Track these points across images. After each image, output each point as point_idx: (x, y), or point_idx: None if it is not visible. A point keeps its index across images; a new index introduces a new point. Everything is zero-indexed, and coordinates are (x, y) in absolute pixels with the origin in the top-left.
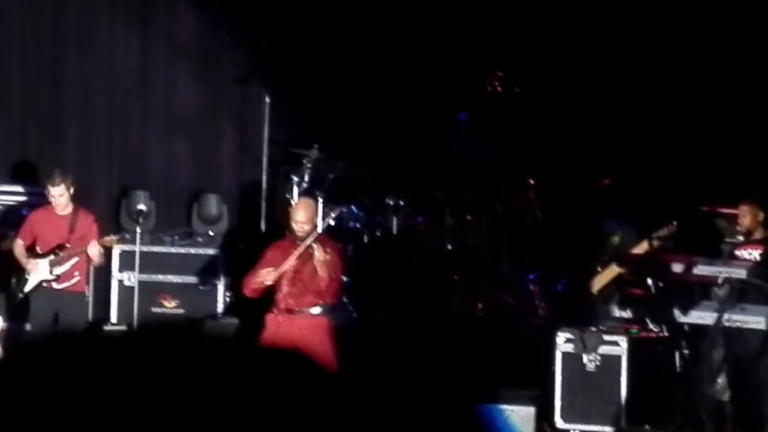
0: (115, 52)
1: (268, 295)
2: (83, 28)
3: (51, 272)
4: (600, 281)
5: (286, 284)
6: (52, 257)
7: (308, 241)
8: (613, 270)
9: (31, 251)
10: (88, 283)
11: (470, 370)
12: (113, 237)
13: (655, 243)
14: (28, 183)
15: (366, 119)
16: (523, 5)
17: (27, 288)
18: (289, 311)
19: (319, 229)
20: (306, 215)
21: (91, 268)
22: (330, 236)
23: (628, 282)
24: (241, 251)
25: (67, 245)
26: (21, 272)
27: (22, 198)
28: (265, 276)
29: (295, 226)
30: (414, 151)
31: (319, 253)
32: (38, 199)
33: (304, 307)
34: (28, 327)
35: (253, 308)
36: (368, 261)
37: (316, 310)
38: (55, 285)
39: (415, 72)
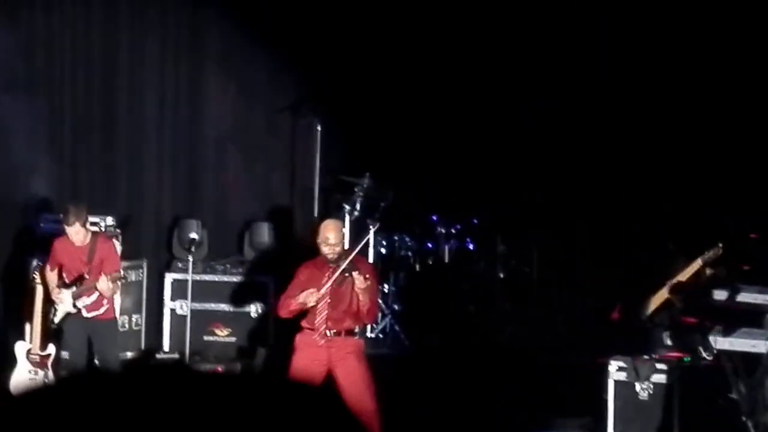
0: (166, 80)
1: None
2: (134, 57)
3: (74, 305)
4: (650, 306)
5: (325, 307)
6: (74, 289)
7: (344, 265)
8: (663, 295)
9: (60, 279)
10: (140, 312)
11: (522, 399)
12: (119, 273)
13: (702, 266)
14: None
15: (417, 147)
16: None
17: (57, 319)
18: (328, 336)
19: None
20: (337, 236)
21: (143, 296)
22: (362, 258)
23: (678, 309)
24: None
25: (86, 276)
26: (50, 302)
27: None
28: (308, 297)
29: (326, 248)
30: (466, 179)
31: (359, 282)
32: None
33: (341, 331)
34: (65, 355)
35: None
36: (420, 289)
37: (353, 333)
38: (85, 313)
39: (465, 100)
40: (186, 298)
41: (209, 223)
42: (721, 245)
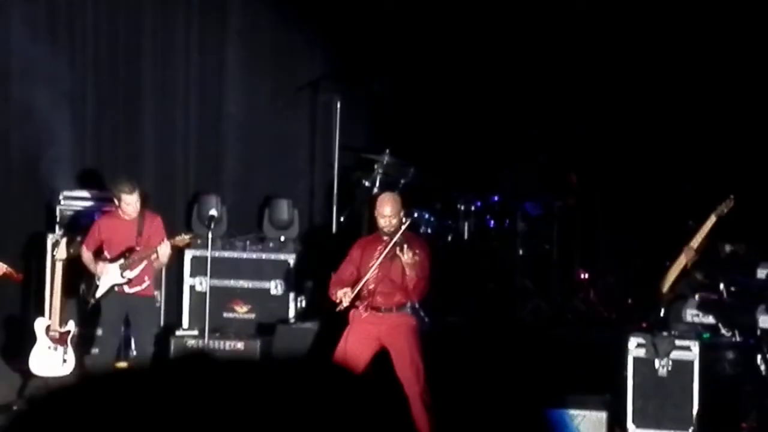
0: (190, 57)
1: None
2: (158, 34)
3: (122, 275)
4: (668, 278)
5: (374, 281)
6: (122, 261)
7: (395, 239)
8: (680, 262)
9: (97, 257)
10: (159, 288)
11: (542, 376)
12: (185, 236)
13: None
14: (99, 188)
15: (438, 124)
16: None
17: (99, 293)
18: (377, 309)
19: (403, 227)
20: (393, 209)
21: (163, 273)
22: (416, 234)
23: (697, 280)
24: (312, 256)
25: (137, 248)
26: (90, 278)
27: (93, 203)
28: (342, 297)
29: (382, 221)
30: (487, 155)
31: (407, 256)
32: (108, 204)
33: (392, 306)
34: (99, 332)
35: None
36: (439, 267)
37: (404, 309)
38: (126, 289)
39: (486, 76)
40: (205, 275)
41: (229, 200)
42: (732, 197)
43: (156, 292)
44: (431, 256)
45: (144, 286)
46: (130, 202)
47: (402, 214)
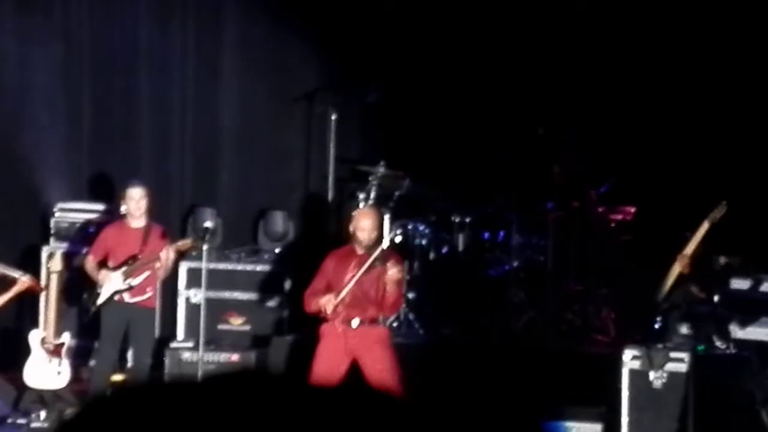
0: (186, 69)
1: None
2: (154, 45)
3: (124, 282)
4: (664, 287)
5: (349, 295)
6: (125, 268)
7: (376, 254)
8: (675, 270)
9: (102, 267)
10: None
11: (536, 388)
12: (187, 241)
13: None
14: (99, 200)
15: (433, 136)
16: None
17: (100, 301)
18: (349, 323)
19: (385, 244)
20: (372, 223)
21: (157, 285)
22: (394, 250)
23: (692, 289)
24: (307, 268)
25: (140, 256)
26: (92, 286)
27: (93, 215)
28: (327, 303)
29: (361, 234)
30: (480, 168)
31: (392, 272)
32: (108, 217)
33: (365, 320)
34: (96, 344)
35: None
36: (434, 278)
37: (376, 323)
38: (127, 298)
39: (481, 89)
40: (200, 287)
41: (224, 212)
42: (725, 203)
43: (156, 306)
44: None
45: (146, 296)
46: (135, 197)
47: (380, 228)
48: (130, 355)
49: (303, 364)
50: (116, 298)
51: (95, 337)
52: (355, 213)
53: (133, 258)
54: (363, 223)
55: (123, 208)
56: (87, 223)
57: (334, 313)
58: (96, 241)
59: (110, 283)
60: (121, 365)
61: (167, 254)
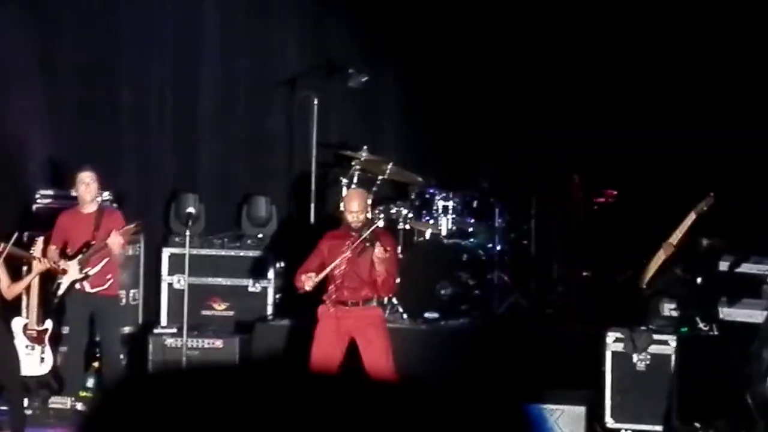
0: (168, 54)
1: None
2: (135, 32)
3: (81, 271)
4: (647, 273)
5: (341, 276)
6: (80, 256)
7: (365, 235)
8: (659, 257)
9: (63, 254)
10: (137, 286)
11: (520, 371)
12: (131, 225)
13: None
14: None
15: (416, 120)
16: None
17: (60, 291)
18: (344, 303)
19: (380, 223)
20: (360, 204)
21: (140, 271)
22: (386, 230)
23: (675, 274)
24: (290, 253)
25: (93, 243)
26: (52, 276)
27: (70, 201)
28: (306, 281)
29: (350, 216)
30: (465, 152)
31: (378, 250)
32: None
33: (359, 300)
34: (65, 330)
35: (305, 308)
36: (418, 261)
37: (370, 303)
38: (88, 288)
39: (462, 72)
40: (183, 273)
41: (207, 198)
42: (712, 194)
43: (133, 291)
44: (397, 253)
45: (107, 285)
46: (83, 180)
47: (370, 209)
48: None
49: (288, 349)
50: (77, 287)
51: (61, 323)
52: (344, 195)
53: (87, 245)
54: (351, 205)
55: (74, 193)
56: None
57: (327, 295)
58: (54, 229)
59: (68, 274)
60: (93, 352)
61: (114, 240)
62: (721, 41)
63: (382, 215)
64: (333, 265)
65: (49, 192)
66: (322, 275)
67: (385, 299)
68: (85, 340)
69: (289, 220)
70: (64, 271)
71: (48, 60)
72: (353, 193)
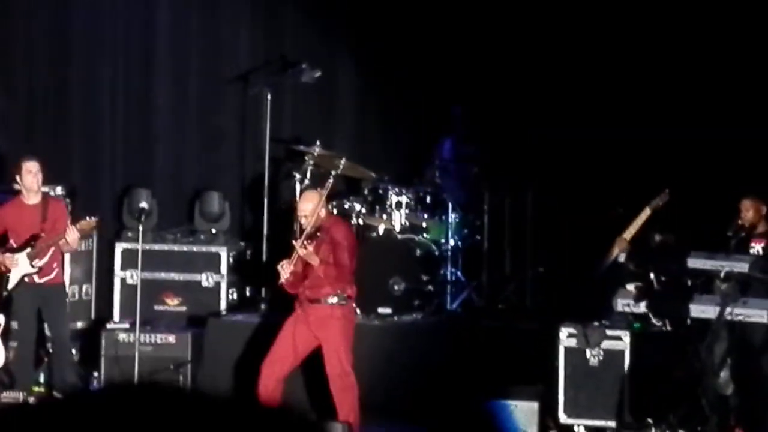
0: (119, 50)
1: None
2: (86, 27)
3: (32, 265)
4: (601, 266)
5: (305, 275)
6: (29, 250)
7: (307, 231)
8: (612, 253)
9: (2, 246)
10: (90, 281)
11: (474, 367)
12: (90, 219)
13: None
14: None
15: (369, 115)
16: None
17: (10, 286)
18: (308, 300)
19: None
20: (307, 207)
21: (93, 266)
22: (339, 221)
23: (629, 271)
24: (243, 249)
25: (42, 235)
26: None
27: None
28: (280, 269)
29: (302, 220)
30: (417, 148)
31: (300, 250)
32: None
33: (319, 297)
34: (14, 325)
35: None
36: (371, 257)
37: (332, 299)
38: (36, 279)
39: (415, 66)
40: (136, 268)
41: (159, 193)
42: (667, 191)
43: (85, 286)
44: (351, 243)
45: (53, 274)
46: (31, 169)
47: (323, 207)
48: (47, 329)
49: (238, 344)
50: (26, 279)
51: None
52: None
53: (35, 237)
54: (299, 208)
55: (17, 184)
56: None
57: (293, 287)
58: None
59: (18, 267)
60: (43, 345)
61: (73, 236)
62: (673, 43)
63: (335, 210)
64: (292, 261)
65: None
66: (291, 262)
67: (350, 293)
68: (34, 335)
69: (241, 216)
70: (7, 267)
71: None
72: (302, 195)
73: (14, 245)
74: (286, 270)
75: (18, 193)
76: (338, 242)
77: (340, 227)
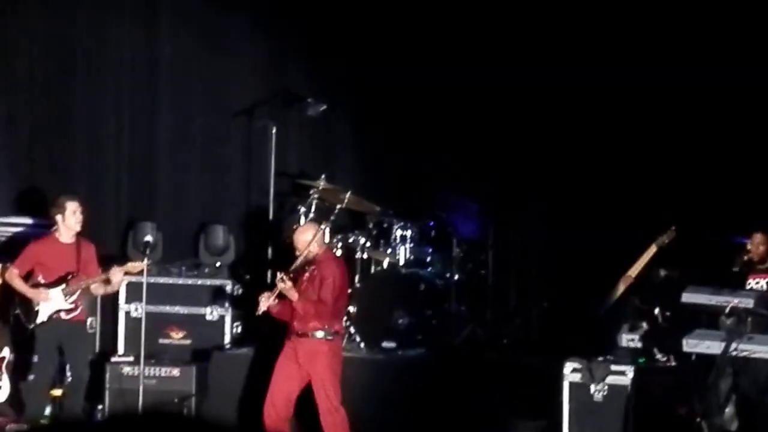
0: (123, 84)
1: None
2: (91, 60)
3: (66, 301)
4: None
5: (288, 308)
6: (64, 286)
7: (294, 266)
8: (618, 289)
9: (27, 281)
10: (95, 314)
11: (478, 401)
12: (141, 263)
13: (656, 252)
14: (34, 214)
15: (373, 150)
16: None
17: (39, 320)
18: (296, 334)
19: (305, 255)
20: (300, 242)
21: (98, 299)
22: (330, 257)
23: (633, 305)
24: (247, 282)
25: (76, 273)
26: (26, 303)
27: (27, 229)
28: (260, 300)
29: (297, 252)
30: (423, 182)
31: (280, 285)
32: (43, 231)
33: (306, 331)
34: (35, 359)
35: (267, 336)
36: (375, 291)
37: (319, 334)
38: (63, 315)
39: (421, 102)
40: (141, 301)
41: (164, 226)
42: (674, 228)
43: (90, 319)
44: (338, 282)
45: (78, 311)
46: (76, 210)
47: (318, 241)
48: (68, 369)
49: (243, 378)
50: (54, 316)
51: (33, 351)
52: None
53: (69, 275)
54: (296, 241)
55: (59, 221)
56: (22, 237)
57: (281, 315)
58: (23, 255)
59: (50, 302)
60: (60, 379)
61: (119, 277)
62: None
63: (339, 243)
64: (274, 294)
65: (8, 219)
66: (274, 293)
67: (338, 328)
68: (53, 369)
69: (246, 249)
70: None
71: (4, 87)
72: (297, 230)
73: (43, 282)
74: (264, 302)
75: (50, 230)
76: (324, 279)
77: (330, 265)
